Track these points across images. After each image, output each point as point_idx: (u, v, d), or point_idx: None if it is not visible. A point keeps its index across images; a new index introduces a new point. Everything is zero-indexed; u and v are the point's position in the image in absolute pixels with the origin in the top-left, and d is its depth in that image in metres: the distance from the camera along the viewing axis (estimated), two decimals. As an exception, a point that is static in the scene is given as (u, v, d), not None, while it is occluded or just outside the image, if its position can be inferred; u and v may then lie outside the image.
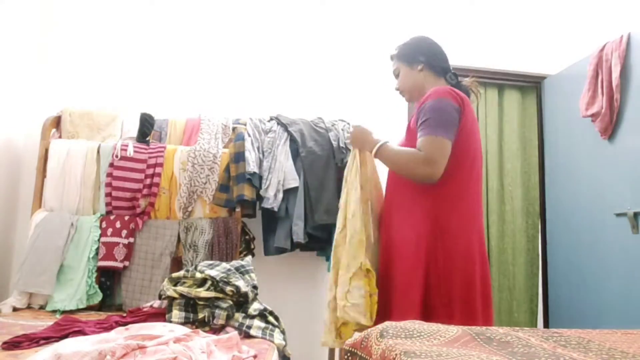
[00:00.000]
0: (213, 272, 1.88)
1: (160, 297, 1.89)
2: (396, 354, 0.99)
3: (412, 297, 1.62)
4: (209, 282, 1.86)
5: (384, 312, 1.69)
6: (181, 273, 1.91)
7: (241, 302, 1.86)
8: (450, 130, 1.57)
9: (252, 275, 2.00)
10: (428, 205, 1.63)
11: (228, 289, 1.83)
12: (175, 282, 1.90)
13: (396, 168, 1.71)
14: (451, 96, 1.61)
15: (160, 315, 1.82)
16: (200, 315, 1.80)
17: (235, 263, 2.02)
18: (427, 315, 1.57)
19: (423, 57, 1.78)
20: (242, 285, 1.86)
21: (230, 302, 1.83)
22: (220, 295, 1.83)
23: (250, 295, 1.89)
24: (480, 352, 1.01)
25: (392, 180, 1.82)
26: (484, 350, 1.05)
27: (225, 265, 1.98)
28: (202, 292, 1.80)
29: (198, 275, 1.87)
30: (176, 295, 1.81)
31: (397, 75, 1.88)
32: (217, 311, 1.81)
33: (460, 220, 1.62)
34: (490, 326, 1.49)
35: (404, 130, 3.16)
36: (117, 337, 1.32)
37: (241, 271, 1.97)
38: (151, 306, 1.90)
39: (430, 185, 1.60)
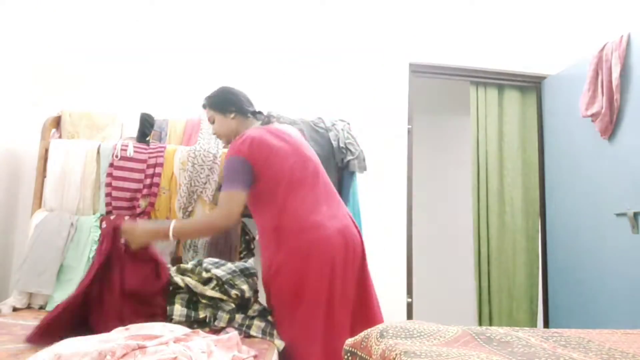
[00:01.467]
0: (219, 272, 1.88)
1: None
2: (396, 354, 0.99)
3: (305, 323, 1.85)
4: (215, 282, 1.86)
5: None
6: (189, 266, 1.93)
7: (243, 305, 1.87)
8: (240, 182, 1.85)
9: (255, 278, 2.01)
10: (269, 223, 1.90)
11: (233, 292, 1.83)
12: (182, 272, 1.91)
13: (198, 235, 2.13)
14: (237, 151, 1.87)
15: None
16: (202, 315, 1.80)
17: (240, 265, 2.02)
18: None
19: (234, 107, 2.05)
20: (247, 290, 1.87)
21: (233, 305, 1.84)
22: (224, 297, 1.83)
23: (252, 299, 1.90)
24: (480, 352, 1.01)
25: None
26: (484, 350, 1.05)
27: (230, 265, 1.98)
28: (208, 291, 1.82)
29: (204, 274, 1.88)
30: (182, 285, 1.83)
31: (212, 122, 2.12)
32: (219, 313, 1.81)
33: (292, 224, 1.86)
34: None
35: (403, 130, 3.18)
36: (117, 337, 1.32)
37: (246, 274, 1.97)
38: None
39: (266, 221, 1.91)
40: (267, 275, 1.88)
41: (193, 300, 1.84)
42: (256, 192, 1.89)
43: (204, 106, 2.13)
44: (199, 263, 1.97)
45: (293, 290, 1.82)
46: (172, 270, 1.91)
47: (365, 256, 1.97)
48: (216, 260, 2.02)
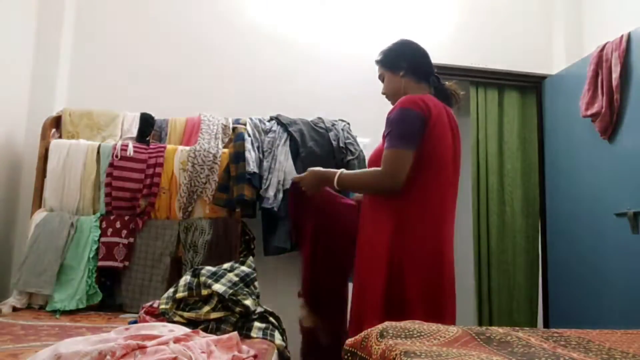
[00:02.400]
0: (219, 288, 1.79)
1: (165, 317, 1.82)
2: (396, 354, 0.99)
3: (372, 297, 1.66)
4: (216, 299, 1.80)
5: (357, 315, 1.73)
6: (185, 293, 1.80)
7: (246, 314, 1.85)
8: (411, 140, 1.62)
9: (256, 283, 1.97)
10: (391, 211, 1.68)
11: (237, 309, 1.79)
12: (179, 303, 1.82)
13: (361, 190, 1.83)
14: (415, 106, 1.64)
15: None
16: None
17: (240, 272, 1.92)
18: (388, 314, 1.57)
19: (405, 62, 1.82)
20: (251, 304, 1.81)
21: (237, 317, 1.81)
22: (228, 314, 1.79)
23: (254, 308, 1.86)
24: (480, 352, 1.01)
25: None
26: (484, 350, 1.05)
27: (230, 276, 1.89)
28: (211, 314, 1.75)
29: (203, 292, 1.79)
30: (183, 321, 1.75)
31: (382, 80, 1.92)
32: (222, 325, 1.78)
33: (422, 225, 1.66)
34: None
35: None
36: (117, 337, 1.31)
37: (247, 282, 1.90)
38: (151, 306, 1.90)
39: (406, 196, 1.65)
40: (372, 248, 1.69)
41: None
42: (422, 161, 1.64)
43: (376, 61, 1.92)
44: (195, 274, 1.88)
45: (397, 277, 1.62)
46: (168, 305, 1.80)
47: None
48: (213, 269, 1.91)
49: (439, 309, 1.63)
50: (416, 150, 1.63)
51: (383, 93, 1.94)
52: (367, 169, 1.78)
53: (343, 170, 1.78)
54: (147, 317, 1.84)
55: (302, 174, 1.87)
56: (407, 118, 1.63)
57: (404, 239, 1.64)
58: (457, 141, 1.79)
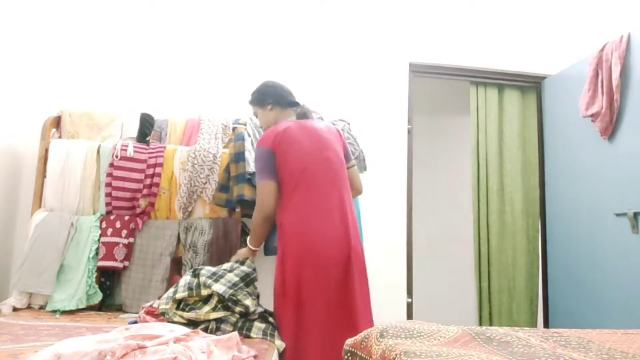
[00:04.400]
0: (219, 288, 1.82)
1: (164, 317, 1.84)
2: (396, 354, 0.99)
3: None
4: (216, 299, 1.82)
5: None
6: (185, 293, 1.83)
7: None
8: (269, 172, 2.01)
9: (256, 283, 1.99)
10: (279, 221, 2.05)
11: (237, 309, 1.81)
12: (179, 303, 1.84)
13: (258, 232, 2.10)
14: (263, 143, 2.03)
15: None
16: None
17: (240, 272, 1.96)
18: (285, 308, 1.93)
19: (270, 99, 2.19)
20: (251, 304, 1.84)
21: (237, 317, 1.82)
22: (228, 314, 1.81)
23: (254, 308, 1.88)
24: (480, 352, 1.01)
25: None
26: (484, 350, 1.05)
27: (229, 275, 1.92)
28: (211, 314, 1.78)
29: (203, 291, 1.82)
30: (184, 322, 1.77)
31: (257, 116, 2.27)
32: (222, 326, 1.79)
33: (290, 223, 1.98)
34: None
35: (403, 130, 3.18)
36: (117, 337, 1.31)
37: (247, 282, 1.94)
38: (151, 306, 1.90)
39: (278, 206, 2.03)
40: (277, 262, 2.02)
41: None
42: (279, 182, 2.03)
43: (249, 102, 2.27)
44: (195, 274, 1.90)
45: (280, 286, 1.95)
46: (168, 304, 1.83)
47: (351, 262, 1.98)
48: (213, 269, 1.95)
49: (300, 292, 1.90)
50: (275, 177, 2.01)
51: (260, 127, 2.33)
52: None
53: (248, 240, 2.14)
54: (147, 317, 1.85)
55: (233, 257, 2.20)
56: (260, 156, 2.03)
57: (284, 239, 1.98)
58: (321, 143, 2.07)
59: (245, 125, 2.68)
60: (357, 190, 2.25)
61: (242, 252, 2.17)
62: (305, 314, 1.87)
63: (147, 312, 1.87)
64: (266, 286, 2.62)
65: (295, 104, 2.20)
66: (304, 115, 2.19)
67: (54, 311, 2.16)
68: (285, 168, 2.00)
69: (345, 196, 2.06)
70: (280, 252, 2.00)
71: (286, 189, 2.01)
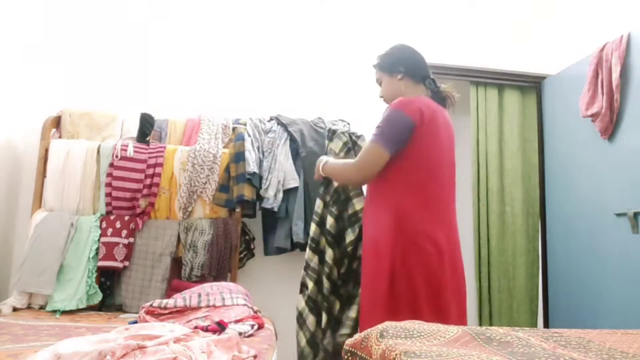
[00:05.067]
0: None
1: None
2: (396, 354, 0.99)
3: (377, 291, 1.71)
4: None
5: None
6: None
7: None
8: (391, 141, 1.69)
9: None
10: (390, 209, 1.73)
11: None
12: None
13: (336, 178, 1.91)
14: (407, 109, 1.70)
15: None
16: None
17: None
18: (394, 310, 1.64)
19: (402, 66, 1.87)
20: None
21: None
22: None
23: None
24: (480, 352, 1.01)
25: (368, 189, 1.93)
26: (484, 350, 1.05)
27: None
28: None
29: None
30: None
31: (380, 84, 1.98)
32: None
33: (418, 223, 1.70)
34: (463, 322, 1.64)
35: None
36: (117, 337, 1.31)
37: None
38: (151, 305, 1.90)
39: (393, 185, 1.73)
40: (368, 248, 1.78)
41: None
42: (401, 160, 1.71)
43: (374, 66, 1.99)
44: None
45: (387, 273, 1.68)
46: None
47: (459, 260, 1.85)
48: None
49: (442, 307, 1.67)
50: (398, 152, 1.70)
51: (381, 96, 1.99)
52: (342, 161, 1.91)
53: (329, 160, 1.91)
54: (147, 317, 1.85)
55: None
56: (395, 119, 1.69)
57: (404, 237, 1.69)
58: (451, 141, 1.84)
59: (245, 125, 2.68)
60: None
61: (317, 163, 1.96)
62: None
63: (147, 312, 1.88)
64: (266, 286, 2.62)
65: (427, 79, 1.88)
66: (442, 100, 1.87)
67: (54, 311, 2.16)
68: (418, 157, 1.71)
69: (453, 201, 1.85)
70: (387, 240, 1.70)
71: (407, 180, 1.72)
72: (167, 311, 1.87)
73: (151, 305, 1.89)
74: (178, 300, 1.92)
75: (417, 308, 1.64)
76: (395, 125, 1.69)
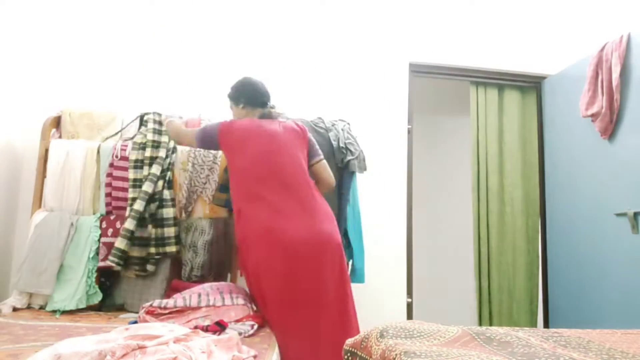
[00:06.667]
0: None
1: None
2: (396, 354, 0.99)
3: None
4: None
5: None
6: None
7: None
8: (202, 135, 2.20)
9: None
10: (236, 212, 2.10)
11: None
12: None
13: (180, 141, 2.40)
14: (216, 124, 2.20)
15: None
16: None
17: None
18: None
19: (243, 97, 2.30)
20: None
21: None
22: None
23: None
24: (480, 352, 1.01)
25: None
26: (484, 350, 1.05)
27: None
28: None
29: None
30: None
31: (231, 109, 2.37)
32: None
33: (240, 220, 2.04)
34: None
35: (403, 130, 3.18)
36: (117, 337, 1.31)
37: None
38: (151, 305, 1.90)
39: (235, 198, 2.13)
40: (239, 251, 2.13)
41: None
42: (230, 169, 2.15)
43: (227, 96, 2.38)
44: None
45: (255, 286, 2.01)
46: None
47: (323, 258, 1.98)
48: None
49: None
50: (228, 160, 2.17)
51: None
52: (190, 129, 2.35)
53: (174, 120, 2.43)
54: (147, 317, 1.85)
55: None
56: (207, 127, 2.23)
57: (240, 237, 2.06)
58: (270, 140, 2.14)
59: (245, 125, 2.68)
60: (327, 185, 2.24)
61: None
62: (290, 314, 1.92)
63: (147, 312, 1.88)
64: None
65: (264, 105, 2.29)
66: (268, 116, 2.28)
67: (54, 311, 2.16)
68: (238, 161, 2.10)
69: (302, 196, 2.05)
70: (243, 245, 2.04)
71: (241, 182, 2.09)
72: (167, 311, 1.88)
73: (151, 305, 1.89)
74: (178, 300, 1.92)
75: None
76: (205, 130, 2.21)
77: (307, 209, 2.02)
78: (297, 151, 2.16)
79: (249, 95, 2.30)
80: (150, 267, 2.32)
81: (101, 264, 2.30)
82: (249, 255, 1.99)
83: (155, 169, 2.36)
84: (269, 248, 1.93)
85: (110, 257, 2.22)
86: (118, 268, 2.25)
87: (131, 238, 2.25)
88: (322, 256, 1.96)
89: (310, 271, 1.93)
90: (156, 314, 1.87)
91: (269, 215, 1.97)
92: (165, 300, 1.91)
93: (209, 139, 2.18)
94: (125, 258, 2.25)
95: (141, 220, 2.28)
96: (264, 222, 1.96)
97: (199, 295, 1.95)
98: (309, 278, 1.92)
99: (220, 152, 2.54)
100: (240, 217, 2.03)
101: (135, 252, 2.29)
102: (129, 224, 2.24)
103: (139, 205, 2.27)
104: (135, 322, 1.83)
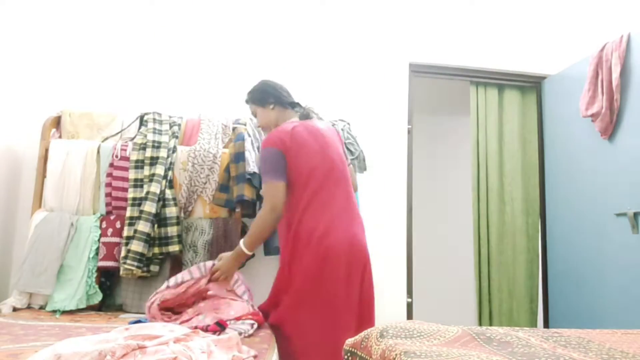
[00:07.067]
0: None
1: None
2: (396, 354, 0.99)
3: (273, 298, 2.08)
4: None
5: None
6: None
7: None
8: (276, 171, 1.99)
9: None
10: (287, 218, 2.02)
11: None
12: None
13: (262, 235, 2.04)
14: (272, 143, 2.01)
15: None
16: None
17: None
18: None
19: (272, 98, 2.19)
20: None
21: None
22: None
23: None
24: (480, 352, 1.01)
25: None
26: (484, 350, 1.05)
27: None
28: None
29: None
30: None
31: (255, 115, 2.27)
32: None
33: (307, 226, 1.96)
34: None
35: (403, 130, 3.18)
36: (117, 337, 1.31)
37: None
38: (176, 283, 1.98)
39: (287, 207, 2.00)
40: (283, 271, 2.03)
41: None
42: (289, 181, 2.01)
43: (247, 101, 2.27)
44: None
45: (306, 289, 1.93)
46: None
47: (368, 263, 2.05)
48: None
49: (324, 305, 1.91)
50: (285, 177, 1.99)
51: (258, 126, 2.32)
52: (255, 220, 2.05)
53: (241, 240, 2.04)
54: (157, 314, 1.92)
55: (216, 264, 2.07)
56: (269, 156, 2.00)
57: (295, 243, 1.97)
58: (324, 140, 2.10)
59: (245, 125, 2.68)
60: (354, 187, 2.29)
61: (227, 258, 2.06)
62: (341, 316, 1.91)
63: (161, 306, 1.94)
64: (266, 286, 2.60)
65: (295, 105, 2.23)
66: (307, 116, 2.21)
67: (54, 311, 2.16)
68: (295, 170, 2.00)
69: (351, 194, 2.11)
70: (289, 254, 1.99)
71: (296, 191, 2.01)
72: (182, 289, 1.95)
73: (167, 287, 1.97)
74: (194, 271, 2.02)
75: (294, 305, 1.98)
76: (272, 159, 2.00)
77: (349, 209, 2.07)
78: (340, 148, 2.20)
79: (278, 94, 2.22)
80: (154, 268, 2.32)
81: (101, 263, 2.30)
82: (305, 255, 1.95)
83: (159, 169, 2.35)
84: (327, 251, 1.94)
85: (129, 262, 2.20)
86: (138, 272, 2.25)
87: (147, 240, 2.24)
88: (356, 264, 2.00)
89: (353, 276, 1.97)
90: (169, 305, 1.96)
91: (328, 214, 1.98)
92: (179, 275, 2.00)
93: (277, 165, 2.00)
94: (143, 261, 2.25)
95: (152, 222, 2.28)
96: (325, 221, 1.96)
97: (198, 267, 2.05)
98: (350, 283, 1.96)
99: (220, 152, 2.54)
100: (307, 211, 1.98)
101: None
102: (144, 227, 2.23)
103: (150, 207, 2.26)
104: (136, 322, 1.83)
